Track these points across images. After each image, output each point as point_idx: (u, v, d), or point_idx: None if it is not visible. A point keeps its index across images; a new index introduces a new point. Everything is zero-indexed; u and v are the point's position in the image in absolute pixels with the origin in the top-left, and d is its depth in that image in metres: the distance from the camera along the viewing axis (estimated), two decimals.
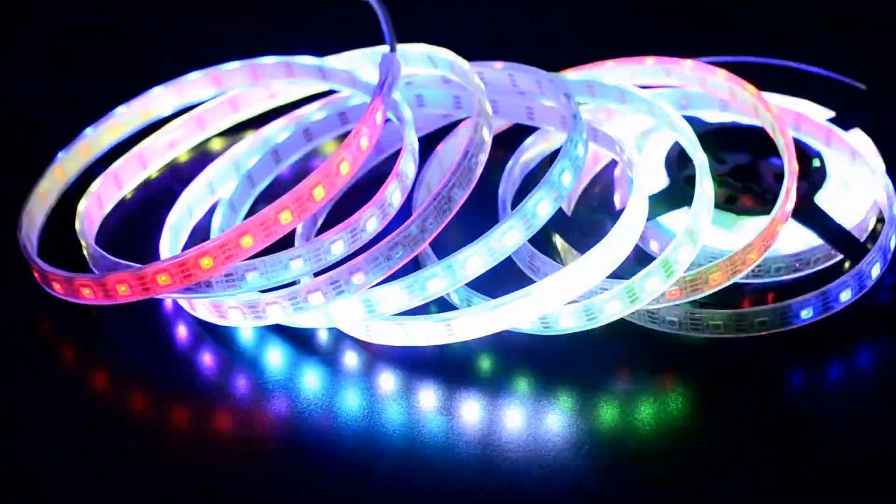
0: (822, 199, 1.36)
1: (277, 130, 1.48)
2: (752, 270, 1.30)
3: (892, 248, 1.30)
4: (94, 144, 1.48)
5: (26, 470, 1.22)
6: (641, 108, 1.40)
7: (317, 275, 1.24)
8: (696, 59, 1.43)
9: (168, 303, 1.33)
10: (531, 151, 1.43)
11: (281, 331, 1.30)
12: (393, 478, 1.20)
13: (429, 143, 1.44)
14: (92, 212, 1.41)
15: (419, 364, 1.28)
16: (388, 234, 1.23)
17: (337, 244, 1.24)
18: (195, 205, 1.42)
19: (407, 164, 1.28)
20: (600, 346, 1.28)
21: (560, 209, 1.32)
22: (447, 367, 1.28)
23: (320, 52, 1.48)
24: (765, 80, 1.42)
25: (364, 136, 1.28)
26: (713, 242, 1.33)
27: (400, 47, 1.39)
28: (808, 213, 1.33)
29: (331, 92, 1.50)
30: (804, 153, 1.38)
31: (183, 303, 1.30)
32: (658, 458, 1.21)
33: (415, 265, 1.29)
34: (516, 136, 1.44)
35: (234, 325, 1.27)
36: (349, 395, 1.26)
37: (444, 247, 1.28)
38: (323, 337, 1.30)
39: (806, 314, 1.26)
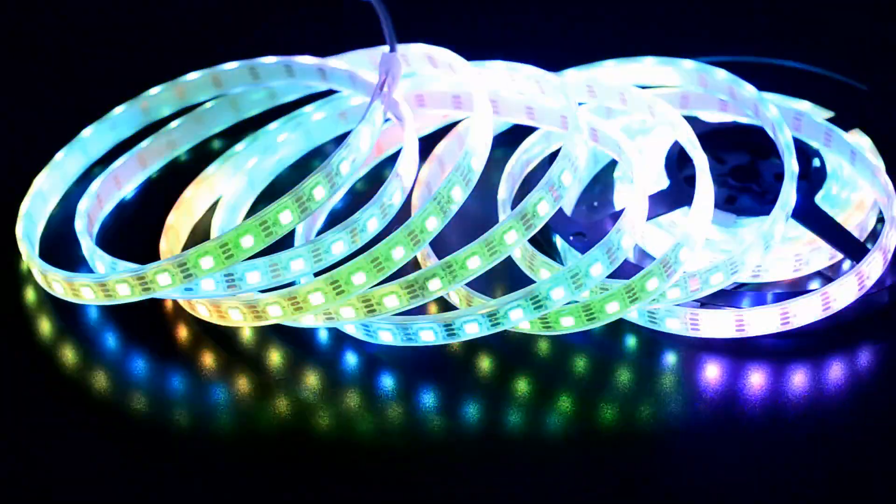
0: (822, 199, 1.36)
1: (277, 130, 1.48)
2: (752, 270, 1.30)
3: (892, 248, 1.30)
4: (94, 144, 1.48)
5: (26, 470, 1.22)
6: (641, 108, 1.40)
7: (317, 275, 1.24)
8: (696, 59, 1.43)
9: (168, 303, 1.33)
10: (531, 151, 1.43)
11: (281, 331, 1.30)
12: (393, 478, 1.20)
13: (429, 143, 1.44)
14: (92, 212, 1.41)
15: (419, 364, 1.28)
16: (388, 234, 1.23)
17: (337, 244, 1.24)
18: (195, 205, 1.42)
19: (407, 164, 1.28)
20: (600, 346, 1.28)
21: (560, 209, 1.32)
22: (447, 367, 1.28)
23: (320, 52, 1.48)
24: (765, 80, 1.42)
25: (364, 136, 1.28)
26: (713, 242, 1.34)
27: (400, 47, 1.39)
28: (808, 213, 1.33)
29: (331, 92, 1.50)
30: (804, 153, 1.38)
31: (183, 303, 1.30)
32: (657, 459, 1.21)
33: (415, 265, 1.29)
34: (516, 136, 1.44)
35: (234, 325, 1.27)
36: (349, 395, 1.26)
37: (445, 247, 1.28)
38: (323, 337, 1.30)
39: (805, 314, 1.26)
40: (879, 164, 1.39)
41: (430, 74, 1.44)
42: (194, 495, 1.20)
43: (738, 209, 1.36)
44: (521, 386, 1.26)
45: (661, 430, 1.23)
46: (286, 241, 1.27)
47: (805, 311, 1.26)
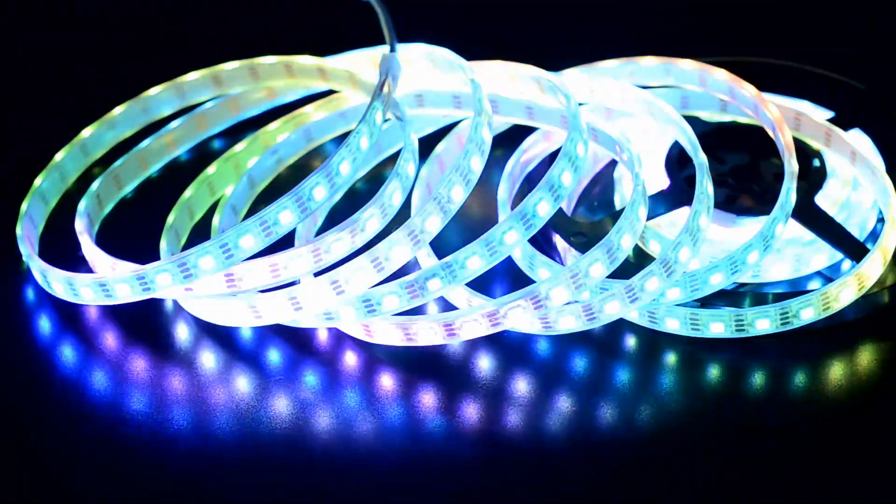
0: (822, 199, 1.36)
1: (277, 130, 1.48)
2: (752, 270, 1.30)
3: (893, 248, 1.30)
4: (94, 144, 1.48)
5: (26, 470, 1.22)
6: (641, 108, 1.40)
7: (317, 275, 1.24)
8: (696, 59, 1.43)
9: (168, 303, 1.33)
10: (531, 151, 1.43)
11: (281, 331, 1.30)
12: (393, 478, 1.20)
13: (429, 143, 1.44)
14: (92, 212, 1.41)
15: (419, 364, 1.28)
16: (389, 234, 1.23)
17: (337, 244, 1.24)
18: (195, 205, 1.42)
19: (407, 164, 1.28)
20: (600, 346, 1.28)
21: (560, 209, 1.32)
22: (447, 367, 1.28)
23: (320, 52, 1.48)
24: (765, 80, 1.42)
25: (364, 136, 1.28)
26: (713, 242, 1.34)
27: (400, 47, 1.39)
28: (808, 213, 1.33)
29: (331, 92, 1.50)
30: (804, 153, 1.38)
31: (183, 303, 1.30)
32: (658, 459, 1.21)
33: (415, 265, 1.29)
34: (516, 136, 1.44)
35: (233, 325, 1.27)
36: (349, 395, 1.26)
37: (445, 247, 1.28)
38: (323, 337, 1.30)
39: (806, 314, 1.26)
40: (879, 164, 1.38)
41: (430, 74, 1.44)
42: (194, 495, 1.20)
43: (738, 209, 1.36)
44: (521, 386, 1.26)
45: (661, 430, 1.23)
46: (286, 241, 1.27)
47: (805, 311, 1.26)
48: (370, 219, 1.25)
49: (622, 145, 1.34)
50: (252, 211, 1.44)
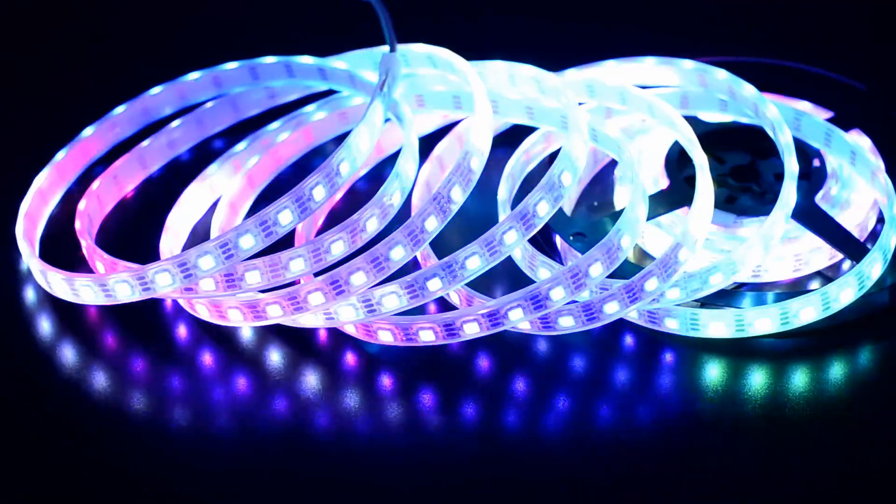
0: (822, 199, 1.36)
1: (277, 130, 1.48)
2: (752, 270, 1.30)
3: (892, 248, 1.30)
4: (94, 144, 1.48)
5: (26, 470, 1.22)
6: (641, 108, 1.40)
7: (317, 275, 1.24)
8: (696, 59, 1.43)
9: (168, 303, 1.33)
10: (531, 151, 1.43)
11: (281, 331, 1.30)
12: (393, 478, 1.20)
13: (429, 143, 1.44)
14: (92, 212, 1.41)
15: (419, 364, 1.28)
16: (389, 234, 1.23)
17: (337, 244, 1.24)
18: (194, 204, 1.42)
19: (407, 164, 1.28)
20: (600, 346, 1.28)
21: (560, 209, 1.32)
22: (447, 367, 1.28)
23: (320, 52, 1.48)
24: (765, 80, 1.42)
25: (364, 136, 1.28)
26: (713, 242, 1.34)
27: (400, 47, 1.39)
28: (808, 213, 1.33)
29: (331, 92, 1.50)
30: (804, 153, 1.38)
31: (183, 303, 1.30)
32: (657, 459, 1.21)
33: (414, 265, 1.29)
34: (516, 136, 1.44)
35: (234, 325, 1.27)
36: (349, 395, 1.26)
37: (445, 247, 1.28)
38: (323, 337, 1.30)
39: (806, 314, 1.26)
40: (879, 164, 1.39)
41: (430, 74, 1.44)
42: (194, 495, 1.20)
43: (738, 209, 1.36)
44: (521, 386, 1.26)
45: (662, 430, 1.23)
46: (286, 241, 1.27)
47: (805, 311, 1.26)
48: (370, 219, 1.25)
49: (622, 145, 1.34)
50: (252, 211, 1.44)
